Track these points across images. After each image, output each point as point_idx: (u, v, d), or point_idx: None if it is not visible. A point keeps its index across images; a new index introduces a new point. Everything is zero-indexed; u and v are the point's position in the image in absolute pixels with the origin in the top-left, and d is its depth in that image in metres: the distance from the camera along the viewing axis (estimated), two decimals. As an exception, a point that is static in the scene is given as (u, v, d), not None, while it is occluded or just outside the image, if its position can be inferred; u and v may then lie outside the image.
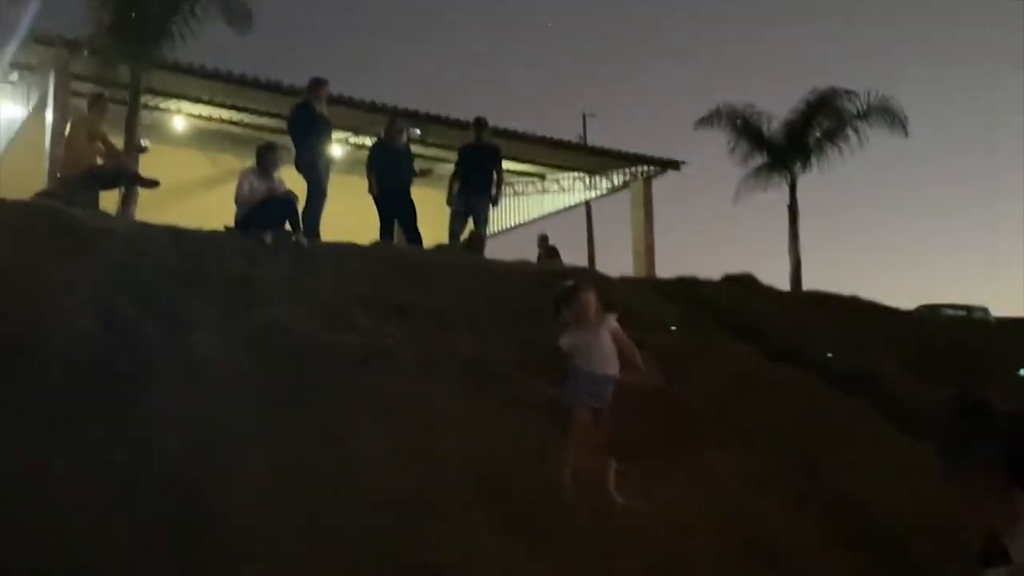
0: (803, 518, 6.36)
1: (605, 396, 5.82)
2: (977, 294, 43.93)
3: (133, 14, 13.38)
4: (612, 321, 5.93)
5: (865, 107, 17.56)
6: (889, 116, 17.41)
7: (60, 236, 7.55)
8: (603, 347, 5.86)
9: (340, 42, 49.24)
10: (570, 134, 22.18)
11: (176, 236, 8.53)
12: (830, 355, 9.54)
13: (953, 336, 11.54)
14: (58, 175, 11.28)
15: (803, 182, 17.92)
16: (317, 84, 11.05)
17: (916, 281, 39.59)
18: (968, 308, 17.03)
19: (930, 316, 14.11)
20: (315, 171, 10.62)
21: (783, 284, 15.22)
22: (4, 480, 4.69)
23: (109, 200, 10.87)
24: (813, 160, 17.82)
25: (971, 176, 44.71)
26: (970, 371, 9.86)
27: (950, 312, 15.87)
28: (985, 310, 17.48)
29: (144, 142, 12.38)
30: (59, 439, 5.14)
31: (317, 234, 10.20)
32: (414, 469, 5.47)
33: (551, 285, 6.44)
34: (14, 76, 16.47)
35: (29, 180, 12.81)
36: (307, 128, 10.79)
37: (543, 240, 17.95)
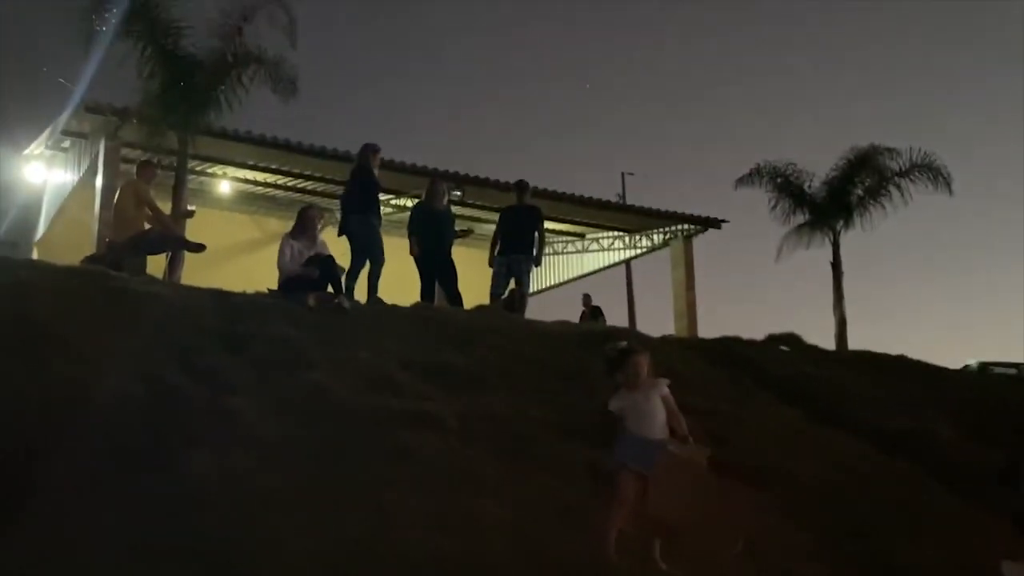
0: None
1: (652, 461, 5.73)
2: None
3: (181, 83, 13.73)
4: (664, 387, 5.87)
5: (907, 165, 17.45)
6: (932, 173, 17.27)
7: (108, 300, 7.68)
8: (653, 411, 5.79)
9: (381, 107, 50.14)
10: (609, 193, 22.30)
11: (220, 299, 8.64)
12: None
13: (1003, 395, 11.29)
14: (107, 240, 11.51)
15: (846, 239, 17.79)
16: (376, 150, 11.28)
17: (964, 339, 38.91)
18: (1018, 366, 16.69)
19: (979, 375, 13.84)
20: (377, 234, 10.85)
21: (828, 343, 15.02)
22: (46, 546, 4.71)
23: (156, 264, 11.06)
24: (855, 218, 17.68)
25: (1018, 232, 44.12)
26: (1022, 431, 9.62)
27: (999, 370, 15.56)
28: (1036, 368, 17.10)
29: (190, 207, 12.64)
30: (102, 502, 5.17)
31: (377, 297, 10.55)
32: (452, 534, 5.42)
33: (592, 346, 6.42)
34: (66, 143, 16.95)
35: (79, 244, 13.10)
36: (374, 192, 11.02)
37: (587, 299, 18.00)
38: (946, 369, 12.25)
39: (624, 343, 6.22)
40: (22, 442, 5.58)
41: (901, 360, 11.88)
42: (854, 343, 15.92)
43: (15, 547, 4.73)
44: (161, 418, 6.16)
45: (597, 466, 6.13)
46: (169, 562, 4.79)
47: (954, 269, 43.88)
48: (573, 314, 17.42)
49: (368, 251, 10.77)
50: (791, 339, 11.88)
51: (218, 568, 4.80)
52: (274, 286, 9.54)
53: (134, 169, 11.67)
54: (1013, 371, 15.85)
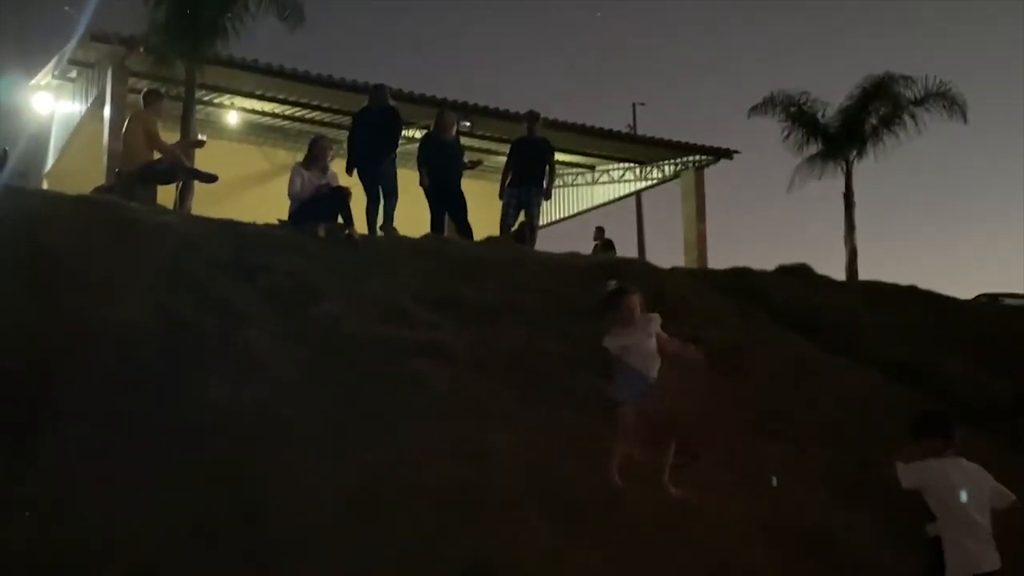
0: (858, 511, 6.26)
1: (655, 397, 5.80)
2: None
3: (187, 11, 13.56)
4: (657, 323, 5.94)
5: (922, 93, 17.22)
6: (947, 102, 17.06)
7: (119, 230, 7.68)
8: (654, 351, 5.86)
9: (390, 35, 49.51)
10: (620, 124, 22.07)
11: (231, 230, 8.65)
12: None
13: (1014, 326, 11.27)
14: (116, 170, 11.46)
15: (859, 170, 17.64)
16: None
17: (975, 270, 38.80)
18: (1030, 297, 16.62)
19: (990, 306, 13.81)
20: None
21: (839, 274, 14.99)
22: (65, 475, 4.79)
23: (166, 195, 11.04)
24: (869, 147, 17.51)
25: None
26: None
27: (1011, 302, 15.50)
28: (1048, 300, 17.04)
29: (201, 136, 12.54)
30: (118, 432, 5.25)
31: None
32: (465, 462, 5.49)
33: (602, 278, 6.43)
34: (73, 73, 16.80)
35: (88, 175, 13.07)
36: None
37: (599, 232, 17.98)
38: (957, 300, 12.22)
39: (614, 282, 6.24)
40: (37, 371, 5.64)
41: (912, 291, 11.85)
42: (865, 274, 15.90)
43: (32, 473, 4.81)
44: (175, 348, 6.21)
45: (605, 397, 6.18)
46: (184, 489, 4.87)
47: (968, 200, 43.55)
48: (583, 246, 17.42)
49: (394, 191, 10.89)
50: (801, 270, 11.85)
51: (232, 495, 4.89)
52: (284, 217, 9.54)
53: (140, 99, 11.56)
54: (1024, 303, 15.79)
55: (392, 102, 11.38)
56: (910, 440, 5.01)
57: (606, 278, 6.71)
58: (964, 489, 4.66)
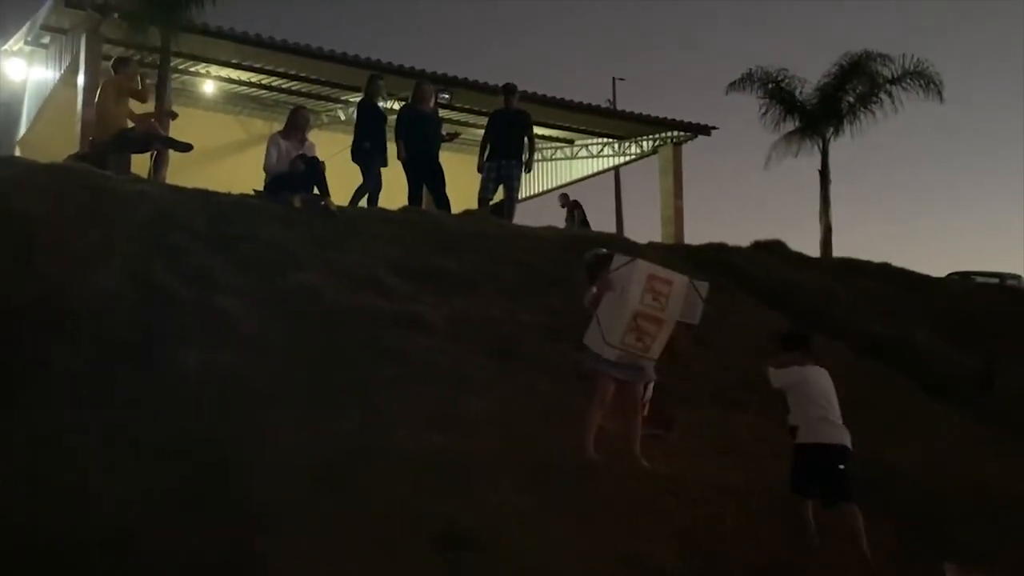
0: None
1: (637, 366, 5.84)
2: (1010, 262, 43.39)
3: (163, -23, 13.36)
4: None
5: (900, 71, 17.28)
6: (924, 81, 17.10)
7: (94, 198, 7.61)
8: None
9: (368, 5, 49.04)
10: (600, 99, 22.01)
11: (207, 200, 8.59)
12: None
13: (985, 304, 11.42)
14: (90, 138, 11.33)
15: (835, 148, 17.70)
16: None
17: (948, 248, 39.13)
18: (1000, 276, 16.86)
19: (962, 284, 13.97)
20: None
21: (813, 251, 15.09)
22: (38, 443, 4.78)
23: (140, 163, 10.94)
24: (846, 125, 17.58)
25: (1005, 142, 43.97)
26: (1002, 339, 9.77)
27: (982, 280, 15.70)
28: (1018, 277, 17.31)
29: (172, 108, 12.40)
30: (92, 401, 5.23)
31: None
32: (441, 431, 5.53)
33: (580, 251, 6.46)
34: (46, 39, 16.54)
35: (61, 143, 12.91)
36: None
37: (564, 198, 18.19)
38: (929, 277, 12.36)
39: (603, 250, 6.31)
40: (11, 339, 5.61)
41: (885, 268, 11.97)
42: (840, 251, 15.99)
43: (6, 437, 4.80)
44: (150, 316, 6.19)
45: (581, 367, 6.22)
46: (158, 454, 4.88)
47: (942, 179, 43.84)
48: (561, 221, 17.47)
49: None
50: (776, 246, 11.93)
51: (207, 461, 4.89)
52: (260, 187, 9.48)
53: (111, 66, 11.41)
54: (995, 280, 16.00)
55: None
56: (778, 351, 6.39)
57: (583, 251, 6.75)
58: (819, 387, 6.05)
